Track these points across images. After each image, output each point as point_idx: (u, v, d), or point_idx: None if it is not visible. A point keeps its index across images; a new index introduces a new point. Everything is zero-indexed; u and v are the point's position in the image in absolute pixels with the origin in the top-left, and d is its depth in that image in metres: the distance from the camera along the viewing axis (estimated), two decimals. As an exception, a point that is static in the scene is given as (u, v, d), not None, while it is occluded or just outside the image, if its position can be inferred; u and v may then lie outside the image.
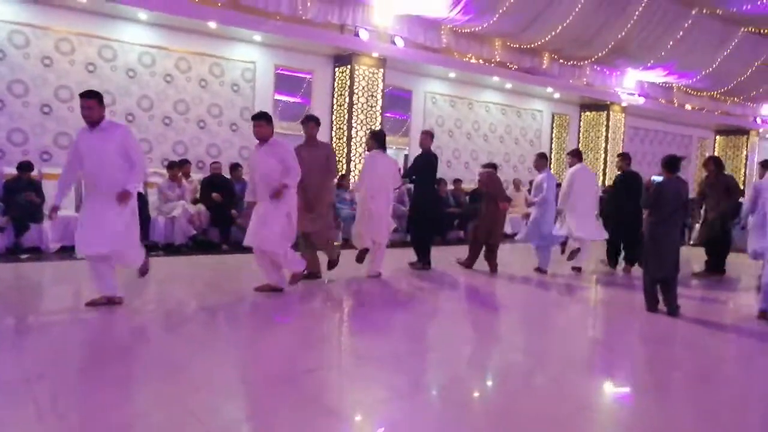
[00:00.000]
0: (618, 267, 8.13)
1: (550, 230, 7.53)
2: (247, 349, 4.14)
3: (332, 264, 6.43)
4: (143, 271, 5.12)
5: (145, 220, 8.01)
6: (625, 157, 8.04)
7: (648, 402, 3.46)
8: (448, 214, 10.88)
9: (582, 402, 3.36)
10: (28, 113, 8.19)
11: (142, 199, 8.18)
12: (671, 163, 5.46)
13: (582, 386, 3.64)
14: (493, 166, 7.84)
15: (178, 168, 8.53)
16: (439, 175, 11.29)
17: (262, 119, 5.40)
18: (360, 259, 6.70)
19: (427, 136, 7.53)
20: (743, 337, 5.10)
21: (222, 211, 8.46)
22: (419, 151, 7.64)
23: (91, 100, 4.55)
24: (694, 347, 4.77)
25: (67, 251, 7.31)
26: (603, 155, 15.00)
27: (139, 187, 4.92)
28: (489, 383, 3.70)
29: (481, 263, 7.60)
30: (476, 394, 3.44)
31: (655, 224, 5.45)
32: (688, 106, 17.24)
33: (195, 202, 8.63)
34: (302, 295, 5.72)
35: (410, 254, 7.66)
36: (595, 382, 3.78)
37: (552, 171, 13.93)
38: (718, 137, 19.47)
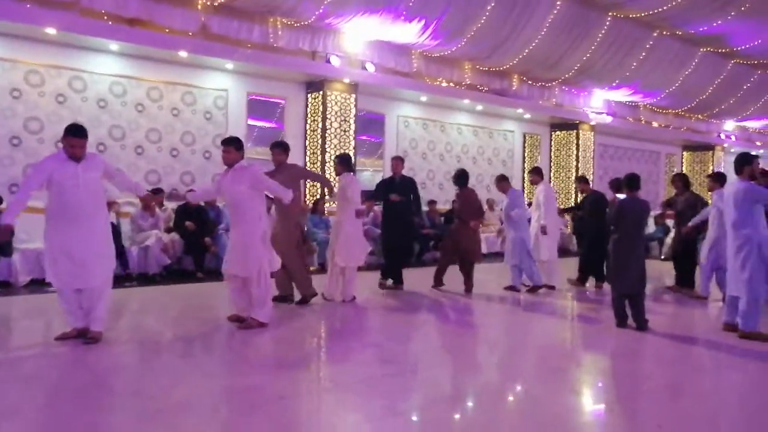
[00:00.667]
0: (588, 284, 8.30)
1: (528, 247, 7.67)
2: (220, 378, 4.13)
3: (304, 301, 6.43)
4: (94, 337, 4.69)
5: (119, 251, 7.95)
6: (584, 180, 8.56)
7: (618, 416, 3.54)
8: (424, 236, 10.98)
9: (556, 419, 3.43)
10: (-4, 146, 8.13)
11: (115, 230, 8.13)
12: (631, 182, 5.65)
13: (555, 403, 3.71)
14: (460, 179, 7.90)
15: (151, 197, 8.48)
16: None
17: (231, 145, 5.38)
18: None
19: (397, 161, 7.67)
20: (710, 350, 5.23)
21: (196, 239, 8.43)
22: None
23: (84, 139, 4.62)
24: (662, 361, 4.88)
25: (36, 284, 7.22)
26: (574, 173, 15.28)
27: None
28: (461, 404, 3.74)
29: (457, 284, 7.68)
30: (449, 416, 3.47)
31: (618, 241, 5.61)
32: (654, 124, 17.73)
33: (169, 230, 8.59)
34: (277, 320, 5.71)
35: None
36: (567, 398, 3.84)
37: (525, 189, 14.24)
38: (685, 153, 20.01)
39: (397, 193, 7.52)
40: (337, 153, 10.49)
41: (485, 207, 12.62)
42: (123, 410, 3.38)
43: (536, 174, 8.18)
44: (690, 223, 7.44)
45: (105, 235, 4.81)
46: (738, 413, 3.76)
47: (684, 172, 18.02)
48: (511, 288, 7.72)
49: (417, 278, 8.08)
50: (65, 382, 3.97)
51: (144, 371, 4.26)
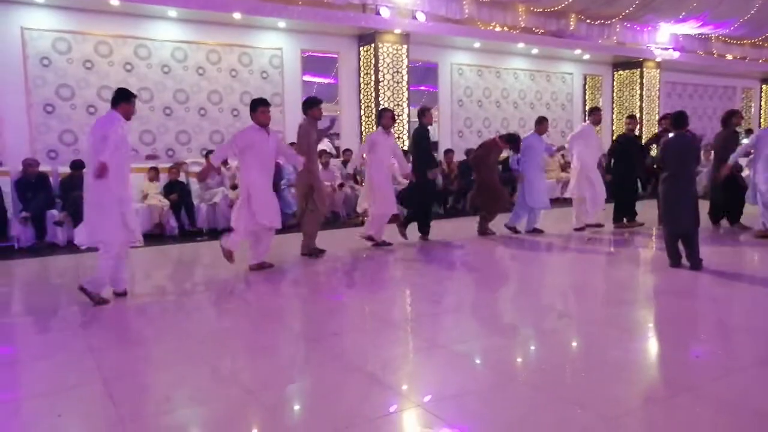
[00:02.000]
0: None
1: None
2: (283, 317, 4.55)
3: (304, 253, 6.71)
4: None
5: (189, 207, 8.55)
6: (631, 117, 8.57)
7: (678, 355, 3.66)
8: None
9: (615, 358, 3.59)
10: (75, 115, 8.79)
11: (185, 188, 8.72)
12: (677, 120, 5.56)
13: (604, 340, 3.87)
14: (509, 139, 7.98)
15: (215, 156, 8.99)
16: (469, 145, 11.53)
17: (269, 105, 5.93)
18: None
19: (423, 112, 7.63)
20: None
21: (259, 195, 8.89)
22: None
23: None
24: (718, 300, 4.88)
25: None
26: (639, 114, 14.72)
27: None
28: (505, 341, 3.96)
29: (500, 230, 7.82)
30: (490, 349, 3.71)
31: (665, 180, 5.56)
32: (729, 56, 16.66)
33: (234, 187, 9.09)
34: (329, 267, 6.09)
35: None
36: (626, 338, 3.90)
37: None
38: (764, 86, 18.72)
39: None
40: (391, 105, 10.69)
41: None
42: (201, 344, 3.83)
43: (593, 113, 8.30)
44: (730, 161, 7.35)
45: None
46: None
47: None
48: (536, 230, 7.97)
49: (461, 226, 8.27)
50: (147, 327, 4.50)
51: (217, 314, 4.73)
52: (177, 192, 8.50)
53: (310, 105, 6.55)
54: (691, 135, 5.84)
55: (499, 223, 7.96)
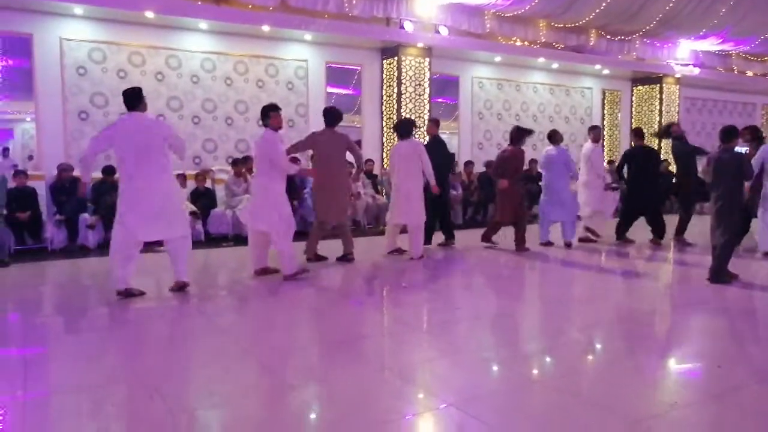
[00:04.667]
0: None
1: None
2: (308, 321, 4.71)
3: (345, 258, 6.86)
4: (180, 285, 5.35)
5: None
6: (637, 133, 8.66)
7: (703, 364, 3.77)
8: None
9: (639, 365, 3.71)
10: (108, 122, 9.03)
11: (210, 195, 8.95)
12: (724, 134, 5.68)
13: (626, 350, 3.98)
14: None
15: (242, 164, 9.22)
16: (489, 157, 11.67)
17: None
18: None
19: (432, 124, 8.01)
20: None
21: (283, 202, 9.08)
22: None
23: None
24: (739, 311, 4.96)
25: (149, 244, 8.12)
26: (658, 128, 14.75)
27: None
28: (531, 347, 4.08)
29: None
30: (517, 355, 3.83)
31: (712, 193, 5.71)
32: (749, 73, 16.67)
33: (258, 195, 9.30)
34: (343, 275, 6.24)
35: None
36: (648, 347, 4.09)
37: (606, 147, 14.07)
38: (785, 103, 18.65)
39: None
40: (414, 117, 10.86)
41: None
42: (223, 347, 3.99)
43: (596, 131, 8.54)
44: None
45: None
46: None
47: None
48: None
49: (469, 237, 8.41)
50: (185, 329, 4.68)
51: (244, 320, 4.90)
52: (204, 199, 8.73)
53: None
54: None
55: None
